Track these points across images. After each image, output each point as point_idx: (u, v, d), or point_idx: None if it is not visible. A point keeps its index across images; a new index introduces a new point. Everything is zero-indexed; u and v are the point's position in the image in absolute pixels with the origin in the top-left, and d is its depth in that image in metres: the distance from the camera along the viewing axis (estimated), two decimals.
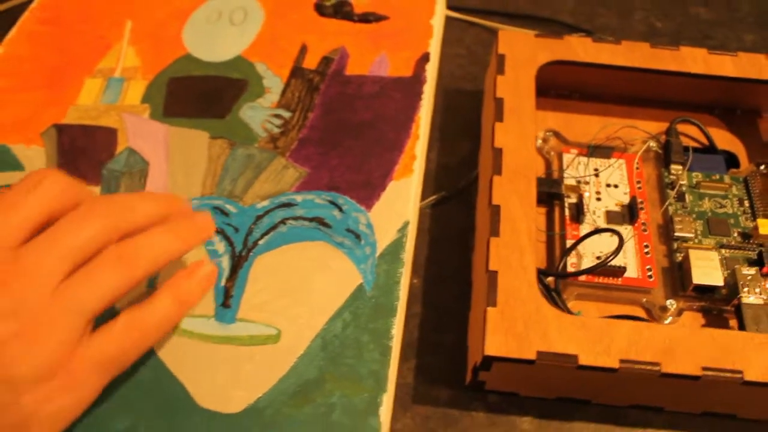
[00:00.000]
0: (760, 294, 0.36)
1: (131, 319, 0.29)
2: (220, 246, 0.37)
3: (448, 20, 0.53)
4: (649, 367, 0.31)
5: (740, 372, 0.30)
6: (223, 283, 0.36)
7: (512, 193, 0.36)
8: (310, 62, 0.45)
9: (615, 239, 0.37)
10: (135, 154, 0.41)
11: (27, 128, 0.43)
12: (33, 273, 0.26)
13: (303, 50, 0.46)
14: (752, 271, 0.36)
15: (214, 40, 0.47)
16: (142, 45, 0.47)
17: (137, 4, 0.50)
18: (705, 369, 0.31)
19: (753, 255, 0.38)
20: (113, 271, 0.28)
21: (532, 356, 0.31)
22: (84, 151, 0.42)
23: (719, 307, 0.37)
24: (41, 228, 0.28)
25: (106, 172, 0.41)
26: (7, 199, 0.27)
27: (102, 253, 0.28)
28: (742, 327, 0.35)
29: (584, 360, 0.31)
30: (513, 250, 0.34)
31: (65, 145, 0.42)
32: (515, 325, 0.32)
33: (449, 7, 0.53)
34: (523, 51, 0.42)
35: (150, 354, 0.34)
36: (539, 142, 0.43)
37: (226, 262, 0.36)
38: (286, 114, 0.42)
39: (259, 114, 0.43)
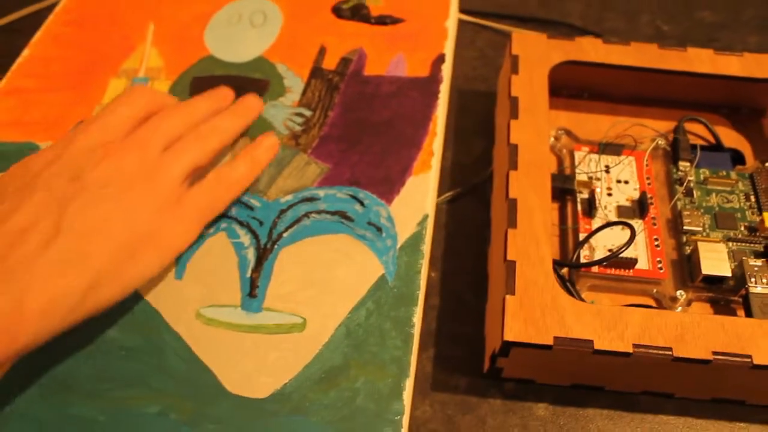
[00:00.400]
0: (767, 284, 0.37)
1: (217, 175, 0.38)
2: (246, 239, 0.38)
3: (461, 23, 0.54)
4: (661, 352, 0.32)
5: (749, 356, 0.32)
6: (248, 274, 0.37)
7: (528, 187, 0.38)
8: (329, 63, 0.47)
9: (626, 233, 0.38)
10: None
11: (55, 127, 0.44)
12: (139, 147, 0.35)
13: (322, 51, 0.48)
14: (759, 262, 0.38)
15: (235, 42, 0.49)
16: (164, 46, 0.49)
17: (159, 7, 0.51)
18: (715, 354, 0.32)
19: (760, 247, 0.39)
20: (194, 145, 0.37)
21: (549, 341, 0.32)
22: None
23: (727, 297, 0.38)
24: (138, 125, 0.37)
25: None
26: (108, 107, 0.37)
27: (184, 134, 0.37)
28: (749, 316, 0.36)
29: (599, 345, 0.32)
30: (530, 241, 0.36)
31: None
32: (533, 312, 0.33)
33: (462, 10, 0.54)
34: (535, 52, 0.44)
35: (180, 343, 0.35)
36: (552, 140, 0.45)
37: (251, 254, 0.38)
38: (307, 112, 0.44)
39: (281, 112, 0.44)
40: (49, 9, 0.54)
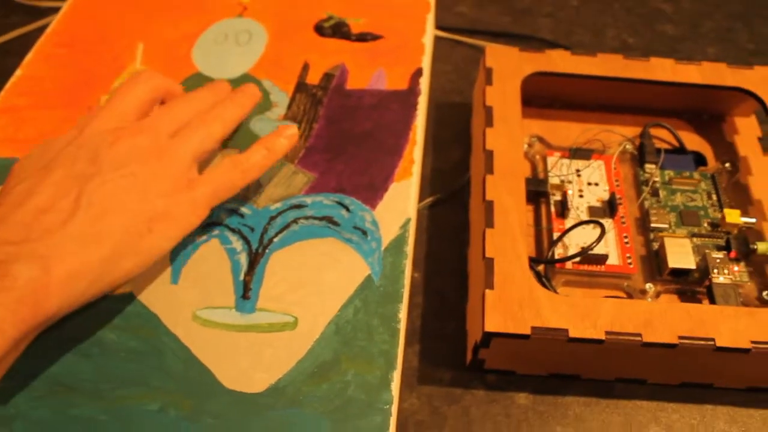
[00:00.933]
0: (728, 275, 0.39)
1: (235, 160, 0.39)
2: (238, 244, 0.40)
3: (437, 39, 0.57)
4: (631, 338, 0.34)
5: (712, 339, 0.34)
6: (241, 277, 0.39)
7: (504, 190, 0.40)
8: (313, 78, 0.49)
9: (597, 231, 0.41)
10: None
11: None
12: (150, 131, 0.37)
13: (305, 68, 0.50)
14: (721, 255, 0.40)
15: (222, 60, 0.51)
16: (154, 65, 0.51)
17: (148, 28, 0.53)
18: (681, 338, 0.34)
19: (721, 242, 0.42)
20: (199, 130, 0.38)
21: (527, 331, 0.34)
22: None
23: (692, 288, 0.41)
24: (149, 111, 0.40)
25: None
26: (117, 93, 0.39)
27: (190, 121, 0.39)
28: (713, 304, 0.39)
29: (574, 333, 0.34)
30: (506, 240, 0.38)
31: None
32: (511, 304, 0.35)
33: (437, 27, 0.57)
34: (508, 64, 0.46)
35: (178, 344, 0.37)
36: (525, 147, 0.47)
37: (244, 259, 0.40)
38: (293, 125, 0.46)
39: (268, 126, 0.46)
40: (40, 30, 0.56)
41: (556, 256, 0.41)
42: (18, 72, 0.51)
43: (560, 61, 0.47)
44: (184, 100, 0.41)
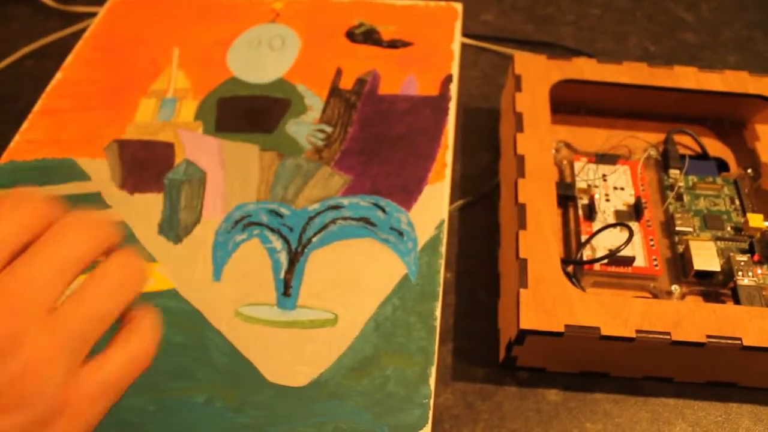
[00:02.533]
0: (753, 277, 0.41)
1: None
2: (278, 244, 0.42)
3: (464, 46, 0.58)
4: (661, 337, 0.36)
5: (739, 339, 0.35)
6: (282, 275, 0.40)
7: (535, 193, 0.41)
8: (346, 83, 0.51)
9: (624, 235, 0.42)
10: (192, 165, 0.46)
11: (90, 144, 0.48)
12: (24, 291, 0.23)
13: (339, 73, 0.51)
14: (745, 257, 0.42)
15: (256, 64, 0.52)
16: (190, 69, 0.52)
17: (183, 33, 0.55)
18: (709, 337, 0.35)
19: (745, 245, 0.43)
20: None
21: (560, 329, 0.36)
22: (145, 163, 0.46)
23: (717, 290, 0.42)
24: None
25: (167, 181, 0.45)
26: None
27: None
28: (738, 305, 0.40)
29: (605, 331, 0.36)
30: (539, 241, 0.39)
31: (127, 158, 0.47)
32: (544, 303, 0.37)
33: (464, 34, 0.58)
34: (536, 71, 0.48)
35: (222, 339, 0.38)
36: (553, 152, 0.49)
37: (284, 258, 0.41)
38: (328, 129, 0.48)
39: (304, 129, 0.48)
40: (76, 35, 0.58)
41: (585, 258, 0.43)
42: (58, 75, 0.53)
43: (586, 69, 0.48)
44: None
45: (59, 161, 0.47)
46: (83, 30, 0.58)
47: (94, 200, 0.44)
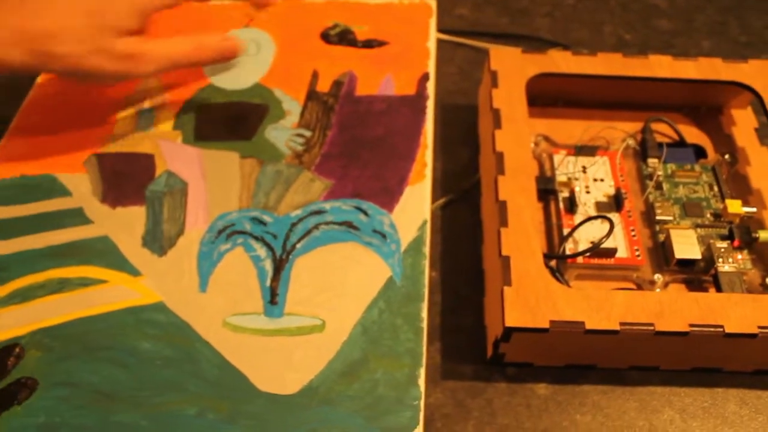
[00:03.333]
0: (733, 263, 0.41)
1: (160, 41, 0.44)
2: (262, 251, 0.42)
3: (439, 42, 0.58)
4: (644, 328, 0.36)
5: (722, 326, 0.36)
6: (268, 283, 0.40)
7: (515, 189, 0.42)
8: (323, 86, 0.51)
9: (606, 226, 0.43)
10: (174, 176, 0.46)
11: (69, 158, 0.47)
12: None
13: (315, 76, 0.51)
14: (725, 244, 0.42)
15: (233, 71, 0.52)
16: (166, 77, 0.52)
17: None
18: (692, 326, 0.36)
19: (724, 231, 0.44)
20: None
21: (545, 325, 0.36)
22: (126, 176, 0.46)
23: (699, 277, 0.43)
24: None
25: (149, 193, 0.45)
26: None
27: None
28: (719, 292, 0.41)
29: (590, 325, 0.36)
30: (521, 237, 0.40)
31: (107, 171, 0.47)
32: (529, 300, 0.37)
33: (438, 30, 0.58)
34: (512, 66, 0.48)
35: (211, 350, 0.38)
36: (532, 146, 0.49)
37: (269, 265, 0.41)
38: (307, 133, 0.48)
39: (283, 134, 0.48)
40: None
41: (567, 251, 0.43)
42: (33, 90, 0.52)
43: (562, 62, 0.48)
44: None
45: (39, 178, 0.47)
46: None
47: (76, 216, 0.44)
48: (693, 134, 0.51)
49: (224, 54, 0.48)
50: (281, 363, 0.38)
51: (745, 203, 0.45)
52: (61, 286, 0.41)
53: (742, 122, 0.50)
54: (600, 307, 0.37)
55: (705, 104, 0.52)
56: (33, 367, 0.37)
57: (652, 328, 0.36)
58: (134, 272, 0.41)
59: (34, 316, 0.39)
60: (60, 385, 0.37)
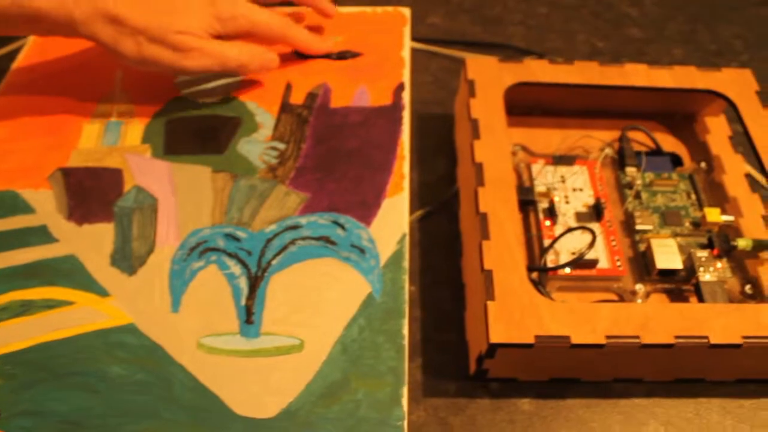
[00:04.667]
0: (713, 272, 0.41)
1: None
2: (236, 269, 0.40)
3: (413, 51, 0.58)
4: (630, 341, 0.36)
5: (706, 337, 0.36)
6: (243, 302, 0.39)
7: (496, 201, 0.41)
8: (297, 98, 0.49)
9: (586, 236, 0.42)
10: (143, 191, 0.44)
11: (32, 173, 0.46)
12: None
13: (288, 88, 0.50)
14: (705, 253, 0.42)
15: (204, 83, 0.51)
16: (134, 89, 0.51)
17: None
18: (677, 337, 0.36)
19: (704, 240, 0.44)
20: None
21: (531, 340, 0.35)
22: (92, 192, 0.44)
23: (680, 287, 0.42)
24: None
25: (117, 209, 0.43)
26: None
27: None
28: (701, 301, 0.40)
29: (576, 339, 0.36)
30: (503, 251, 0.39)
31: (73, 186, 0.45)
32: (513, 314, 0.36)
33: (412, 38, 0.58)
34: (489, 75, 0.47)
35: (185, 374, 0.37)
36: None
37: (244, 283, 0.40)
38: (281, 146, 0.46)
39: (256, 147, 0.46)
40: (8, 57, 0.55)
41: (549, 263, 0.43)
42: None
43: (539, 71, 0.48)
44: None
45: (0, 194, 0.45)
46: (15, 51, 0.55)
47: (40, 234, 0.42)
48: (668, 142, 0.51)
49: (268, 65, 0.49)
50: (259, 385, 0.36)
51: (722, 211, 0.45)
52: (24, 308, 0.39)
53: (716, 130, 0.50)
54: (585, 320, 0.36)
55: (679, 112, 0.52)
56: None
57: (638, 340, 0.36)
58: (102, 293, 0.40)
59: None
60: (24, 415, 0.35)
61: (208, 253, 0.41)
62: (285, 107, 0.49)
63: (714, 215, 0.44)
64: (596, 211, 0.45)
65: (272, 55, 0.49)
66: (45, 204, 0.44)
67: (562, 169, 0.47)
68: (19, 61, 0.53)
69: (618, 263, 0.43)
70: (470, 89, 0.47)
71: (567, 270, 0.42)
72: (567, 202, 0.46)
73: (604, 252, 0.43)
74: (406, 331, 0.38)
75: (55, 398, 0.36)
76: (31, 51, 0.54)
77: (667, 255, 0.42)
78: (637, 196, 0.46)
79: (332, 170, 0.45)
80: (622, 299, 0.42)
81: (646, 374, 0.40)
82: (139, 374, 0.37)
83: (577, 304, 0.37)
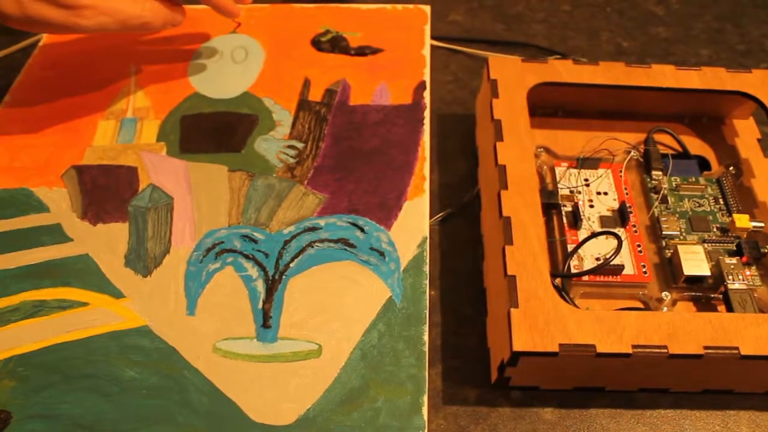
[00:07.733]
0: (743, 280, 0.40)
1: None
2: (253, 271, 0.40)
3: (433, 49, 0.56)
4: (658, 351, 0.34)
5: (737, 348, 0.34)
6: (260, 305, 0.38)
7: (520, 205, 0.40)
8: (315, 95, 0.48)
9: (611, 241, 0.41)
10: (158, 190, 0.44)
11: (46, 171, 0.45)
12: None
13: (306, 84, 0.49)
14: (734, 260, 0.41)
15: (219, 78, 0.50)
16: (149, 86, 0.50)
17: (138, 47, 0.52)
18: (706, 348, 0.34)
19: (732, 246, 0.42)
20: None
21: (555, 348, 0.34)
22: (107, 190, 0.44)
23: (708, 294, 0.41)
24: None
25: (132, 208, 0.43)
26: None
27: None
28: (730, 310, 0.39)
29: (601, 348, 0.34)
30: (527, 256, 0.38)
31: (87, 184, 0.44)
32: (537, 322, 0.35)
33: (432, 36, 0.57)
34: (512, 75, 0.46)
35: (200, 378, 0.36)
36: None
37: (261, 286, 0.39)
38: (299, 145, 0.45)
39: (273, 146, 0.46)
40: (24, 51, 0.55)
41: (572, 269, 0.41)
42: (7, 98, 0.50)
43: (563, 71, 0.47)
44: None
45: (14, 192, 0.44)
46: (31, 46, 0.54)
47: (54, 233, 0.42)
48: (695, 145, 0.49)
49: (173, 21, 0.44)
50: (276, 391, 0.35)
51: (751, 217, 0.43)
52: (37, 309, 0.38)
53: (745, 133, 0.49)
54: (611, 329, 0.35)
55: (707, 114, 0.51)
56: (6, 399, 0.35)
57: (665, 351, 0.34)
58: (117, 294, 0.39)
59: (8, 342, 0.37)
60: (36, 418, 0.34)
61: (225, 255, 0.40)
62: (303, 104, 0.48)
63: (743, 221, 0.42)
64: (621, 216, 0.44)
65: (178, 11, 0.45)
66: (59, 202, 0.43)
67: (586, 172, 0.46)
68: (34, 57, 0.52)
69: (644, 270, 0.41)
70: (493, 89, 0.46)
71: (586, 276, 0.41)
72: (591, 206, 0.44)
73: (630, 258, 0.42)
74: (426, 337, 0.37)
75: (67, 401, 0.35)
76: (46, 47, 0.53)
77: (695, 262, 0.41)
78: (663, 200, 0.45)
79: (351, 170, 0.44)
80: (647, 307, 0.41)
81: (672, 384, 0.39)
82: (153, 378, 0.36)
83: (602, 312, 0.36)
